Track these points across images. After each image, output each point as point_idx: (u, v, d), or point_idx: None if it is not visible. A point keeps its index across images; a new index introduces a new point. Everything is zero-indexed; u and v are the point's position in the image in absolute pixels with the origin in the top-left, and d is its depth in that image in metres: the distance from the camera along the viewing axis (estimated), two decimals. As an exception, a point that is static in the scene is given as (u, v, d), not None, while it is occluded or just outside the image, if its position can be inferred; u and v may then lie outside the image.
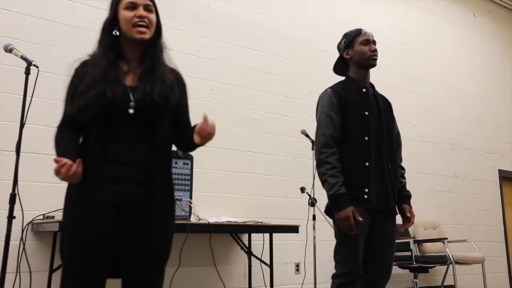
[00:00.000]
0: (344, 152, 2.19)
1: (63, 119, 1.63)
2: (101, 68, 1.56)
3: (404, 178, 2.39)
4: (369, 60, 2.30)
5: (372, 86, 2.39)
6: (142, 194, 1.58)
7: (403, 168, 2.41)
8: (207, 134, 1.59)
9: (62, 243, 1.58)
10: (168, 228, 1.64)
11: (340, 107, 2.23)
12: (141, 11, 1.60)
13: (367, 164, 2.17)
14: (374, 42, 2.33)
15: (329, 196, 2.14)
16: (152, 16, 1.65)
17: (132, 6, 1.61)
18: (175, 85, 1.69)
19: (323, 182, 2.17)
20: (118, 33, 1.62)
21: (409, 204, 2.31)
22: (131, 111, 1.57)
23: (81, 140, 1.63)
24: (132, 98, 1.57)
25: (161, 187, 1.62)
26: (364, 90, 2.30)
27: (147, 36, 1.62)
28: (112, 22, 1.63)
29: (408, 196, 2.34)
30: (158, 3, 1.74)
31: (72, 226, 1.53)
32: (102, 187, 1.53)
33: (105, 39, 1.64)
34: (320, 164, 2.18)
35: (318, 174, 2.21)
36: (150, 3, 1.66)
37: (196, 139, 1.60)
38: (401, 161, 2.43)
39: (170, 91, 1.64)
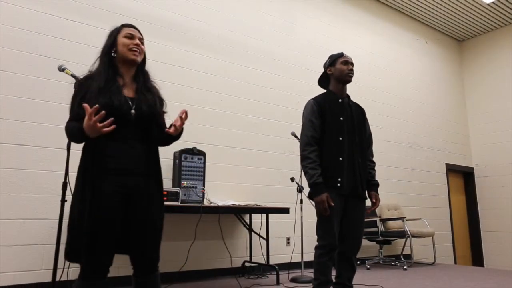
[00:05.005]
0: (323, 149, 2.18)
1: (70, 118, 1.59)
2: (103, 80, 1.58)
3: (373, 170, 2.36)
4: (346, 77, 2.30)
5: (348, 97, 2.39)
6: (142, 182, 1.58)
7: (373, 162, 2.38)
8: (179, 126, 1.64)
9: (74, 227, 1.49)
10: (161, 206, 1.65)
11: (320, 114, 2.23)
12: (136, 41, 1.69)
13: (340, 159, 2.16)
14: (352, 64, 2.33)
15: (309, 184, 2.14)
16: (143, 47, 1.73)
17: (130, 37, 1.69)
18: (163, 101, 1.77)
19: (305, 173, 2.16)
20: (115, 54, 1.68)
21: (376, 191, 2.31)
22: (133, 117, 1.60)
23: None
24: (132, 107, 1.61)
25: (155, 176, 1.64)
26: (340, 100, 2.30)
27: (138, 58, 1.69)
28: (111, 45, 1.69)
29: (376, 185, 2.32)
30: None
31: (86, 213, 1.46)
32: (110, 178, 1.51)
33: (104, 58, 1.67)
34: (303, 158, 2.17)
35: (301, 167, 2.21)
36: (142, 38, 1.75)
37: (172, 130, 1.64)
38: (372, 156, 2.40)
39: (161, 105, 1.73)
